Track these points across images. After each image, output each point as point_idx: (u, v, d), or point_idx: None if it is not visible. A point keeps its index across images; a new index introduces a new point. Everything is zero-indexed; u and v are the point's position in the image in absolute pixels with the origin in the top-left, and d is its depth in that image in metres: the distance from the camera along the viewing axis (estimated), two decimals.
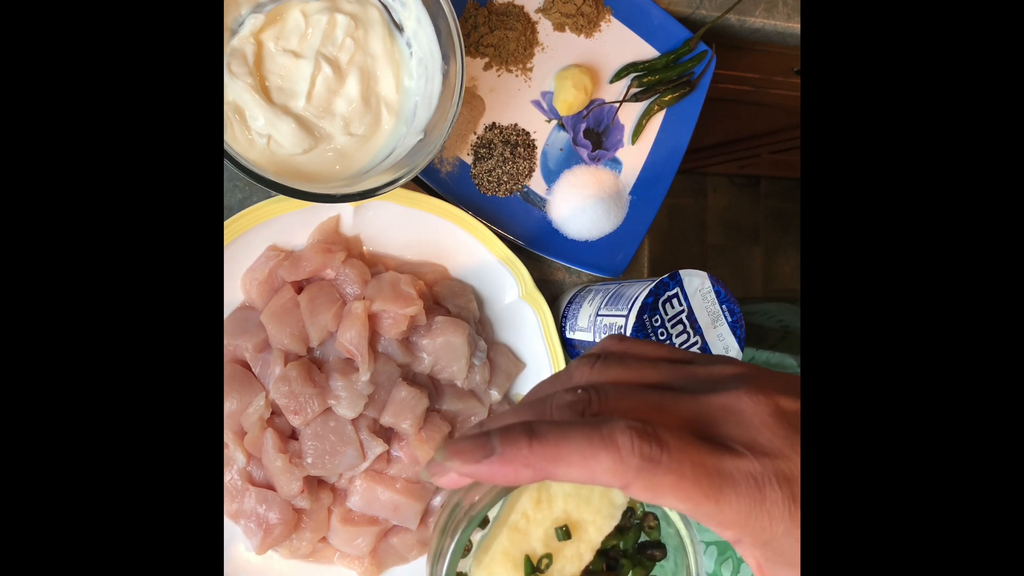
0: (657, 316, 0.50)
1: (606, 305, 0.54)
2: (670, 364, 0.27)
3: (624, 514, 0.28)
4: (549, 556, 0.26)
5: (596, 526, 0.27)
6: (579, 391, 0.25)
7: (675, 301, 0.50)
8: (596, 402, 0.25)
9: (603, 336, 0.52)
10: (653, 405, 0.24)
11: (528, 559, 0.26)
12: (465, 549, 0.27)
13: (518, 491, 0.26)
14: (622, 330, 0.50)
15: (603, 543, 0.27)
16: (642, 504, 0.28)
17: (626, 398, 0.25)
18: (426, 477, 0.24)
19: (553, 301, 0.63)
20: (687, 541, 0.27)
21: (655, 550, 0.27)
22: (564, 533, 0.26)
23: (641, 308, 0.49)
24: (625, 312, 0.51)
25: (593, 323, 0.55)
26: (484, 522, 0.27)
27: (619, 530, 0.28)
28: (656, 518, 0.28)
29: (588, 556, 0.27)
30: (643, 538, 0.28)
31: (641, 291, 0.50)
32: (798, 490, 0.23)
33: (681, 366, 0.27)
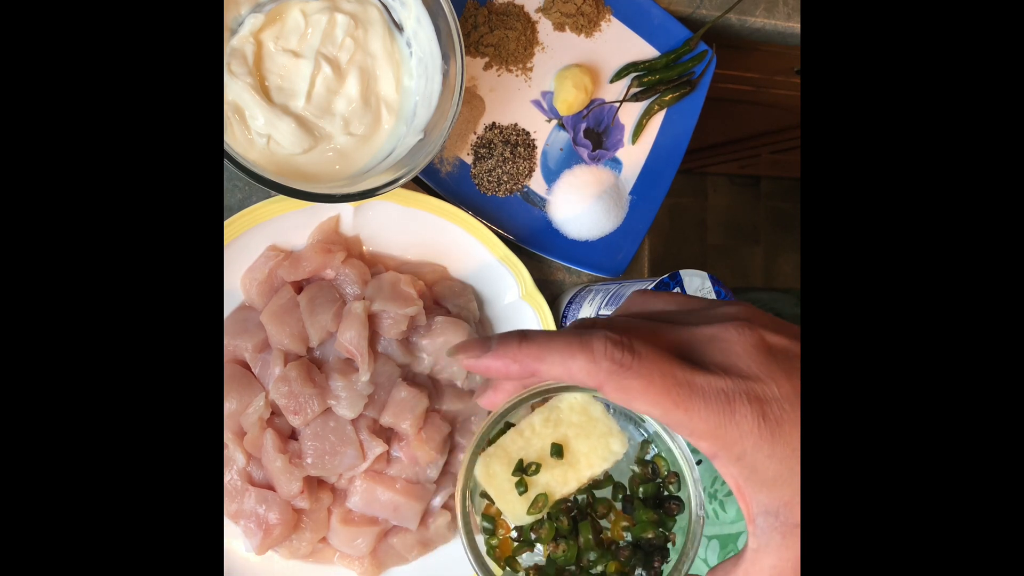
0: None
1: (606, 305, 0.54)
2: (679, 308, 0.30)
3: (649, 468, 0.31)
4: (538, 465, 0.29)
5: (588, 461, 0.29)
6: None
7: None
8: (598, 325, 0.27)
9: None
10: (647, 331, 0.27)
11: (521, 460, 0.29)
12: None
13: (535, 410, 0.30)
14: None
15: (628, 486, 0.30)
16: (667, 462, 0.30)
17: (625, 326, 0.27)
18: (476, 399, 0.30)
19: (553, 301, 0.63)
20: (692, 500, 0.30)
21: (673, 503, 0.30)
22: (557, 450, 0.29)
23: None
24: None
25: None
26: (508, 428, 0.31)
27: (641, 481, 0.31)
28: (677, 476, 0.30)
29: (573, 484, 0.29)
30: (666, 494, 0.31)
31: None
32: (769, 411, 0.25)
33: (689, 311, 0.29)
